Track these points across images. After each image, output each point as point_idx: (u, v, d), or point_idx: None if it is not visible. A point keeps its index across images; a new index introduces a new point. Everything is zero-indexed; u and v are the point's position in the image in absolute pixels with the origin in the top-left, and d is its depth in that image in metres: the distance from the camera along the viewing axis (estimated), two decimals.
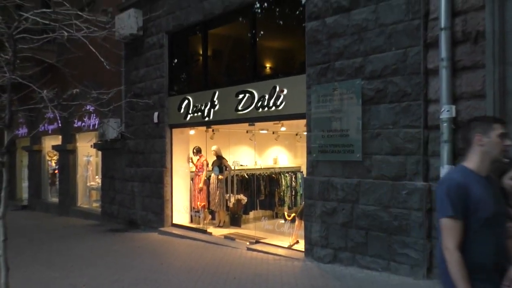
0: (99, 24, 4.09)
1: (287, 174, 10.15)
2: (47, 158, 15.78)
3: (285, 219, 7.94)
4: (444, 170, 4.97)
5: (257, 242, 7.71)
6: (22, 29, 3.44)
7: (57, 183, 14.40)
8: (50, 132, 14.74)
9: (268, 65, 8.42)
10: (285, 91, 7.21)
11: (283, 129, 10.05)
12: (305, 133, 6.85)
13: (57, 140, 14.23)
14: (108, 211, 11.38)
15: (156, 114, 9.62)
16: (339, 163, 6.22)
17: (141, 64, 10.17)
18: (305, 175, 7.06)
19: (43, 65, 6.22)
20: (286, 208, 9.77)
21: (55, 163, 15.29)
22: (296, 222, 7.38)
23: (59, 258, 7.50)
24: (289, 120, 7.84)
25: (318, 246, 6.41)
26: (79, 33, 3.62)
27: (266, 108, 7.51)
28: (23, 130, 16.54)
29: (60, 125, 13.58)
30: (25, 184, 17.27)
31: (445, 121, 5.05)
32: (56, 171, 14.77)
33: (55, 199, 14.61)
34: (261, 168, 10.34)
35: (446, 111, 5.03)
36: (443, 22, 5.12)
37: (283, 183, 10.00)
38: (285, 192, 9.99)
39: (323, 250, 6.34)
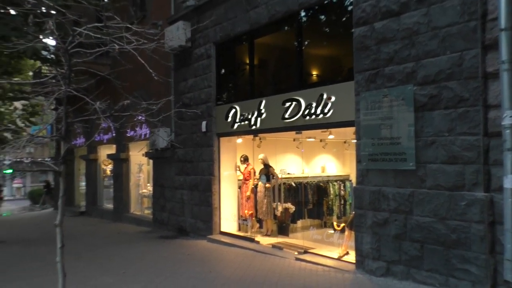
0: (148, 37, 4.15)
1: (335, 183, 9.89)
2: (103, 166, 16.43)
3: (334, 229, 7.69)
4: (508, 180, 4.58)
5: (306, 252, 7.52)
6: (77, 43, 3.55)
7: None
8: (105, 141, 15.34)
9: (314, 72, 8.26)
10: (333, 99, 7.02)
11: (331, 137, 9.84)
12: (354, 141, 6.62)
13: (112, 149, 14.77)
14: (159, 218, 11.61)
15: (204, 123, 9.71)
16: (391, 172, 5.93)
17: (189, 75, 10.34)
18: (354, 184, 6.80)
19: (97, 77, 6.44)
20: (335, 217, 9.51)
21: (110, 171, 15.89)
22: (346, 233, 7.12)
23: (113, 264, 7.69)
24: (337, 128, 7.62)
25: (369, 258, 6.13)
26: (130, 46, 3.69)
27: (313, 116, 7.35)
28: (80, 140, 17.38)
29: (114, 135, 14.12)
30: (82, 191, 18.08)
31: (508, 127, 4.66)
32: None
33: (110, 206, 15.14)
34: (308, 177, 10.14)
35: (509, 117, 4.65)
36: (503, 22, 4.76)
37: (332, 192, 9.75)
38: (334, 201, 9.73)
39: (375, 263, 6.05)
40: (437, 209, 5.36)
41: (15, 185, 44.31)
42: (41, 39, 6.30)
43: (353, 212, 6.65)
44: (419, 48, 5.62)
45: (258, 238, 8.88)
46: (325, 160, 11.18)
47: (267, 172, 9.23)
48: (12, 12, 8.47)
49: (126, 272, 7.02)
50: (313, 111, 7.34)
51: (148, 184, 13.37)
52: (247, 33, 8.93)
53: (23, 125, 17.86)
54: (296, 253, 7.53)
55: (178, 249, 8.86)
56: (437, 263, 5.34)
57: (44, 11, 6.16)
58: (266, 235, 9.15)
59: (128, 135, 13.39)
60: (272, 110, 8.20)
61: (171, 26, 10.34)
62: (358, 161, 6.40)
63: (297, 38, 7.90)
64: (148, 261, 7.81)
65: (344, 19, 7.07)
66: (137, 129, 12.89)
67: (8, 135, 13.00)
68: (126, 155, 13.87)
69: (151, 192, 12.39)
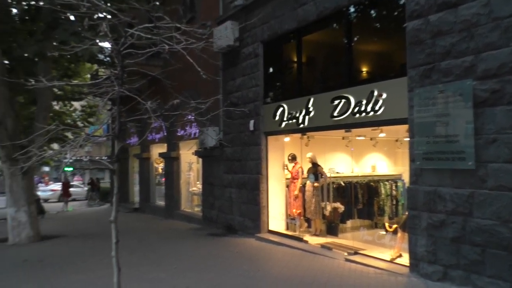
0: (197, 36, 4.18)
1: (386, 182, 9.54)
2: (155, 164, 16.94)
3: (386, 230, 7.41)
4: None
5: (356, 253, 7.31)
6: (129, 45, 3.63)
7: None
8: (157, 140, 15.81)
9: (364, 69, 8.01)
10: (384, 95, 6.76)
11: (382, 135, 9.50)
12: (407, 139, 6.33)
13: (163, 148, 15.19)
14: (208, 215, 11.78)
15: (252, 122, 9.72)
16: (447, 172, 5.60)
17: (237, 74, 10.39)
18: (407, 184, 6.51)
19: (148, 78, 6.60)
20: (386, 218, 9.18)
21: (161, 169, 16.36)
22: (399, 234, 6.84)
23: (165, 259, 7.88)
24: (388, 125, 7.34)
25: (424, 262, 5.84)
26: (179, 45, 3.73)
27: (363, 114, 7.13)
28: (134, 139, 18.03)
29: (165, 134, 14.50)
30: (136, 188, 18.75)
31: None
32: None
33: (162, 203, 15.58)
34: (358, 176, 9.86)
35: None
36: None
37: (383, 191, 9.41)
38: (385, 201, 9.38)
39: (430, 267, 5.76)
40: (499, 211, 5.00)
41: (75, 182, 46.89)
42: (97, 42, 6.56)
43: (406, 213, 6.37)
44: (478, 40, 5.26)
45: (307, 237, 8.75)
46: (375, 159, 10.83)
47: (316, 171, 9.08)
48: (72, 17, 8.91)
49: (177, 268, 7.17)
50: (363, 108, 7.11)
51: (198, 182, 13.61)
52: (295, 30, 8.82)
53: (82, 125, 18.84)
54: (346, 254, 7.34)
55: (227, 246, 8.93)
56: (501, 269, 4.98)
57: (101, 15, 6.41)
58: (315, 234, 9.00)
59: (179, 134, 13.70)
60: (321, 108, 8.04)
61: (220, 26, 10.43)
62: (412, 160, 6.11)
63: (346, 34, 7.70)
64: (198, 258, 7.93)
65: (396, 13, 6.78)
66: (187, 128, 13.16)
67: (69, 134, 13.75)
68: (176, 153, 14.21)
69: (201, 190, 12.60)
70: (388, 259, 6.76)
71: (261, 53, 9.68)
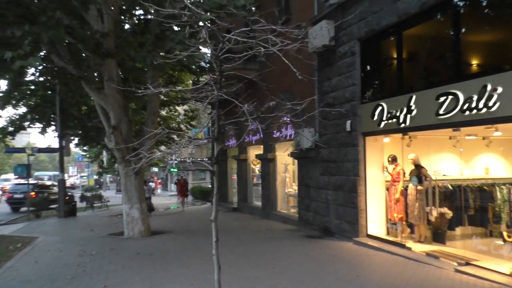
0: (293, 36, 4.16)
1: (503, 186, 8.55)
2: (252, 166, 17.39)
3: (504, 240, 6.64)
4: None
5: (467, 263, 6.65)
6: (226, 50, 3.74)
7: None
8: (253, 142, 16.23)
9: (475, 62, 7.27)
10: (499, 90, 6.06)
11: (496, 133, 8.55)
12: None
13: (260, 150, 15.50)
14: (304, 217, 11.72)
15: (348, 122, 9.44)
16: None
17: (333, 74, 10.18)
18: None
19: (244, 81, 6.77)
20: (503, 226, 8.23)
21: (258, 170, 16.72)
22: None
23: (262, 259, 8.00)
24: (505, 123, 6.55)
25: None
26: (275, 47, 3.74)
27: (474, 111, 6.47)
28: (232, 141, 18.72)
29: (261, 136, 14.79)
30: (234, 189, 19.46)
31: None
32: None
33: (259, 203, 15.92)
34: (469, 179, 9.00)
35: None
36: None
37: (499, 196, 8.46)
38: (502, 207, 8.41)
39: None
40: None
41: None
42: (200, 49, 6.89)
43: None
44: None
45: (410, 244, 8.22)
46: (489, 160, 9.78)
47: (419, 173, 8.49)
48: (176, 28, 9.54)
49: (275, 268, 7.22)
50: (473, 105, 6.46)
51: (294, 184, 13.62)
52: (394, 25, 8.36)
53: (185, 128, 20.10)
54: (455, 264, 6.73)
55: (324, 249, 8.77)
56: None
57: (201, 24, 6.76)
58: (419, 241, 8.42)
59: (274, 136, 13.87)
60: (424, 106, 7.49)
61: (315, 26, 10.33)
62: None
63: (452, 26, 7.07)
64: (294, 259, 7.91)
65: None
66: (282, 130, 13.26)
67: (174, 137, 14.76)
68: (272, 155, 14.40)
69: (296, 191, 12.59)
70: (508, 273, 6.03)
71: (358, 51, 9.35)
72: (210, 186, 27.20)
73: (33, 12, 8.39)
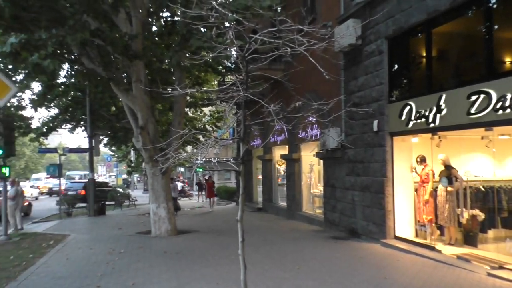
0: (319, 36, 4.13)
1: None
2: (277, 166, 17.37)
3: None
4: None
5: (501, 267, 6.43)
6: (253, 50, 3.75)
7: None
8: (279, 142, 16.20)
9: (508, 59, 7.03)
10: None
11: None
12: None
13: (285, 150, 15.47)
14: (329, 218, 11.61)
15: (375, 122, 9.29)
16: None
17: (359, 73, 10.05)
18: None
19: (270, 82, 6.76)
20: None
21: (283, 171, 16.69)
22: None
23: (288, 259, 7.97)
24: None
25: None
26: (301, 47, 3.72)
27: (508, 110, 6.26)
28: (257, 142, 18.76)
29: (286, 136, 14.76)
30: (259, 188, 19.48)
31: None
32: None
33: (284, 204, 15.89)
34: (502, 180, 8.71)
35: None
36: None
37: None
38: None
39: None
40: None
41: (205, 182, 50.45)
42: (227, 49, 6.94)
43: None
44: None
45: (439, 246, 8.02)
46: None
47: (449, 174, 8.28)
48: (202, 29, 9.65)
49: (301, 269, 7.18)
50: (507, 104, 6.26)
51: (319, 184, 13.53)
52: (424, 23, 8.17)
53: (210, 129, 20.28)
54: (488, 267, 6.52)
55: (350, 251, 8.67)
56: None
57: (228, 25, 6.81)
58: (449, 244, 8.21)
59: (300, 136, 13.81)
60: (454, 105, 7.30)
61: (341, 25, 10.22)
62: None
63: (485, 22, 6.85)
64: (320, 260, 7.85)
65: None
66: (308, 130, 13.19)
67: (200, 137, 14.89)
68: (298, 155, 14.34)
69: (322, 192, 12.49)
70: None
71: (385, 49, 9.19)
72: (235, 186, 27.27)
73: (64, 16, 8.65)
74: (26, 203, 18.99)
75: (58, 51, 10.63)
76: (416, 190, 8.93)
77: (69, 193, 23.84)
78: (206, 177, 26.34)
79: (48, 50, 8.13)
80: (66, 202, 19.59)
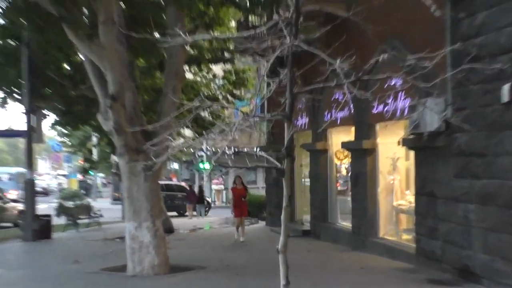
0: None
1: None
2: (336, 161, 17.25)
3: None
4: None
5: None
6: None
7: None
8: (338, 122, 16.02)
9: None
10: None
11: None
12: None
13: (349, 134, 15.44)
14: (426, 248, 11.58)
15: (506, 87, 9.15)
16: None
17: (479, 7, 9.88)
18: None
19: (333, 23, 6.70)
20: None
21: (346, 169, 16.61)
22: None
23: None
24: None
25: None
26: None
27: None
28: (302, 120, 18.63)
29: (352, 111, 14.65)
30: (305, 198, 19.42)
31: None
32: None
33: (347, 224, 15.88)
34: None
35: None
36: None
37: None
38: None
39: None
40: None
41: (213, 187, 50.71)
42: None
43: None
44: None
45: None
46: None
47: None
48: None
49: None
50: None
51: (407, 192, 13.47)
52: None
53: (223, 100, 20.27)
54: None
55: None
56: None
57: None
58: None
59: (374, 111, 13.69)
60: None
61: None
62: None
63: None
64: None
65: None
66: (388, 101, 13.05)
67: (205, 114, 14.87)
68: (371, 143, 14.25)
69: (413, 204, 12.46)
70: None
71: None
72: (265, 193, 27.27)
73: None
74: None
75: None
76: None
77: None
78: (235, 181, 24.28)
79: None
80: None
